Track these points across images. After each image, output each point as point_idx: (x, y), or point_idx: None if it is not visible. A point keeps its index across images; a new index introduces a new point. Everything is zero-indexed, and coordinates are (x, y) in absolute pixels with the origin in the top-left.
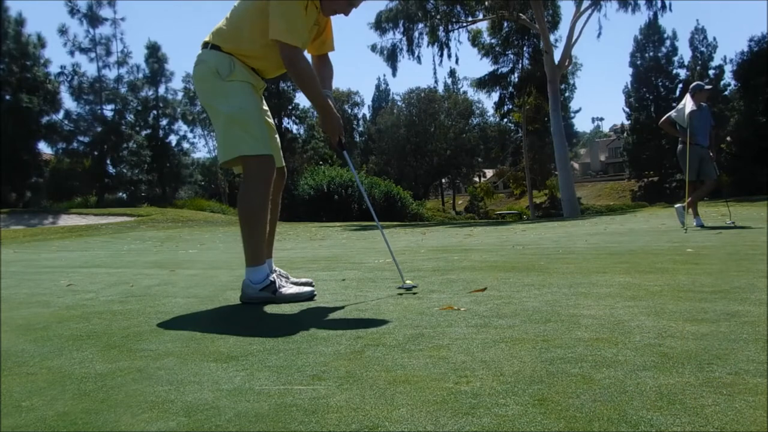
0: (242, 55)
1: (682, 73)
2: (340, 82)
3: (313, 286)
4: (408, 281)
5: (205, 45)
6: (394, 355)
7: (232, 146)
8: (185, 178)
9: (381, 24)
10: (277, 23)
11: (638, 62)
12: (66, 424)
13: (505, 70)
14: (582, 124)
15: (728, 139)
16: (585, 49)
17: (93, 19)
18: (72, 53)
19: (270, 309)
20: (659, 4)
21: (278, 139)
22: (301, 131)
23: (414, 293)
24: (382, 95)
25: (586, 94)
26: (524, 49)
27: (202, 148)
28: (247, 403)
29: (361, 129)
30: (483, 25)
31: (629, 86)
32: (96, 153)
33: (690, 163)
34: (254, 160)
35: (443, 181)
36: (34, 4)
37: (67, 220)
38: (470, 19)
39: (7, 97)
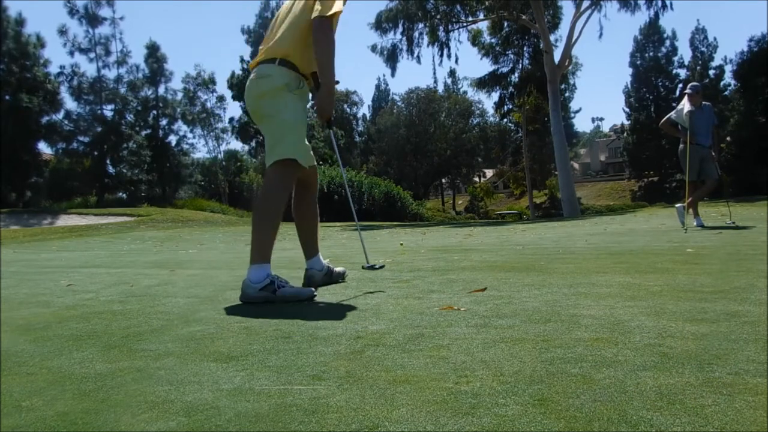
0: (306, 70)
1: (682, 73)
2: (339, 81)
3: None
4: (375, 263)
5: (272, 60)
6: (394, 355)
7: (287, 149)
8: (185, 178)
9: (381, 24)
10: (323, 3)
11: (638, 62)
12: (66, 424)
13: (505, 70)
14: (582, 124)
15: (728, 139)
16: (585, 49)
17: (92, 19)
18: (72, 53)
19: (269, 309)
20: (659, 3)
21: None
22: None
23: (378, 290)
24: (381, 95)
25: (586, 94)
26: (524, 49)
27: (201, 148)
28: (247, 403)
29: (360, 129)
30: (483, 25)
31: (629, 86)
32: (96, 153)
33: (690, 163)
34: (293, 167)
35: (443, 181)
36: (34, 4)
37: (67, 220)
38: (470, 19)
39: (7, 97)
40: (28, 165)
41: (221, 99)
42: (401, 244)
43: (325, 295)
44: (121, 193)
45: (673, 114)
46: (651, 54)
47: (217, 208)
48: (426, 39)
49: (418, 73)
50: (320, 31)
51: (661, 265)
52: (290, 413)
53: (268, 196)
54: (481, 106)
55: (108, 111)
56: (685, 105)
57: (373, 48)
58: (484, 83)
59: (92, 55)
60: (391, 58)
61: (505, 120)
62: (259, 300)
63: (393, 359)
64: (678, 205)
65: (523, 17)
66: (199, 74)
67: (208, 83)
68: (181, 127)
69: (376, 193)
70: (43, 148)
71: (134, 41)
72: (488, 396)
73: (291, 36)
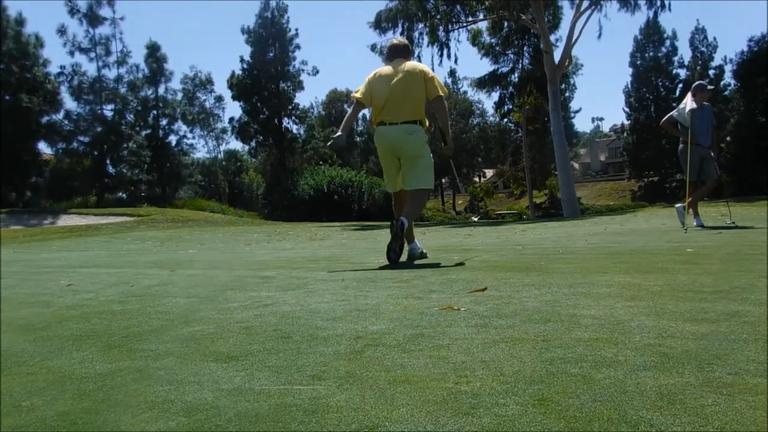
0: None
1: (682, 73)
2: (339, 81)
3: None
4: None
5: (415, 122)
6: (394, 355)
7: (431, 182)
8: (185, 178)
9: (380, 23)
10: (438, 84)
11: (638, 62)
12: (66, 424)
13: (505, 70)
14: (582, 124)
15: (728, 139)
16: (585, 49)
17: (92, 18)
18: (72, 53)
19: (269, 308)
20: (659, 3)
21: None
22: (301, 131)
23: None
24: None
25: (586, 94)
26: (524, 49)
27: (201, 148)
28: (247, 403)
29: (361, 129)
30: (483, 25)
31: (629, 86)
32: (96, 153)
33: (691, 163)
34: (426, 191)
35: (443, 181)
36: (34, 4)
37: (67, 220)
38: (470, 19)
39: (7, 97)
40: (28, 165)
41: (219, 99)
42: None
43: (325, 295)
44: (121, 193)
45: (674, 113)
46: (651, 54)
47: (217, 208)
48: (426, 39)
49: None
50: (443, 106)
51: (661, 265)
52: (290, 413)
53: (417, 204)
54: (481, 106)
55: (108, 111)
56: (688, 103)
57: (373, 47)
58: (484, 83)
59: (92, 54)
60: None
61: (505, 120)
62: (419, 258)
63: (393, 359)
64: (678, 205)
65: (523, 17)
66: (196, 75)
67: (205, 84)
68: (181, 127)
69: (376, 193)
70: (43, 148)
71: (134, 41)
72: (488, 396)
73: (419, 107)
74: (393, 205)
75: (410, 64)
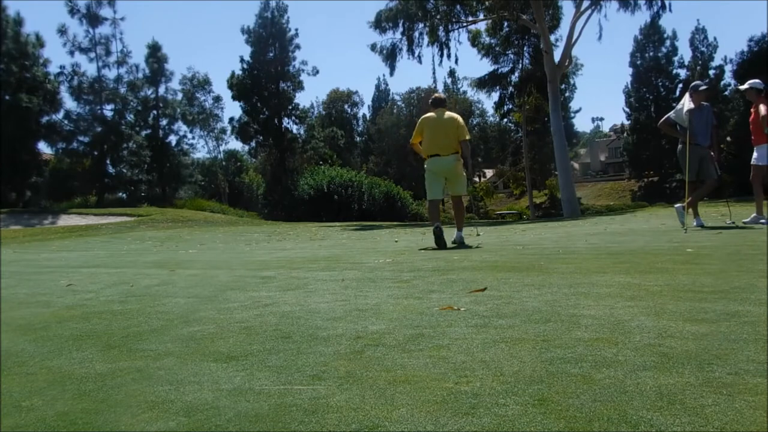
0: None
1: (682, 73)
2: (339, 81)
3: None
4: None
5: (456, 152)
6: (394, 355)
7: (466, 189)
8: (185, 178)
9: (381, 23)
10: (466, 130)
11: (638, 62)
12: (66, 424)
13: (505, 70)
14: (582, 124)
15: (728, 139)
16: (585, 49)
17: (93, 18)
18: (72, 53)
19: (269, 308)
20: (659, 3)
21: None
22: (301, 131)
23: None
24: (381, 95)
25: (586, 94)
26: (524, 49)
27: (201, 149)
28: (247, 403)
29: (360, 129)
30: (482, 26)
31: (629, 86)
32: (96, 153)
33: (690, 164)
34: (464, 196)
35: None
36: (34, 4)
37: (67, 220)
38: (470, 19)
39: (7, 97)
40: (28, 165)
41: (218, 99)
42: (396, 242)
43: (325, 295)
44: (121, 193)
45: (672, 114)
46: (651, 54)
47: (217, 208)
48: (426, 39)
49: (417, 73)
50: (468, 147)
51: (661, 265)
52: (290, 413)
53: (462, 205)
54: (481, 106)
55: (108, 111)
56: (686, 103)
57: (373, 47)
58: (484, 83)
59: (92, 54)
60: (391, 57)
61: (505, 120)
62: (460, 243)
63: (393, 359)
64: (678, 205)
65: (523, 17)
66: (194, 76)
67: (203, 84)
68: (181, 127)
69: (376, 193)
70: (43, 148)
71: (134, 41)
72: (488, 396)
73: (457, 142)
74: (428, 209)
75: (449, 113)
